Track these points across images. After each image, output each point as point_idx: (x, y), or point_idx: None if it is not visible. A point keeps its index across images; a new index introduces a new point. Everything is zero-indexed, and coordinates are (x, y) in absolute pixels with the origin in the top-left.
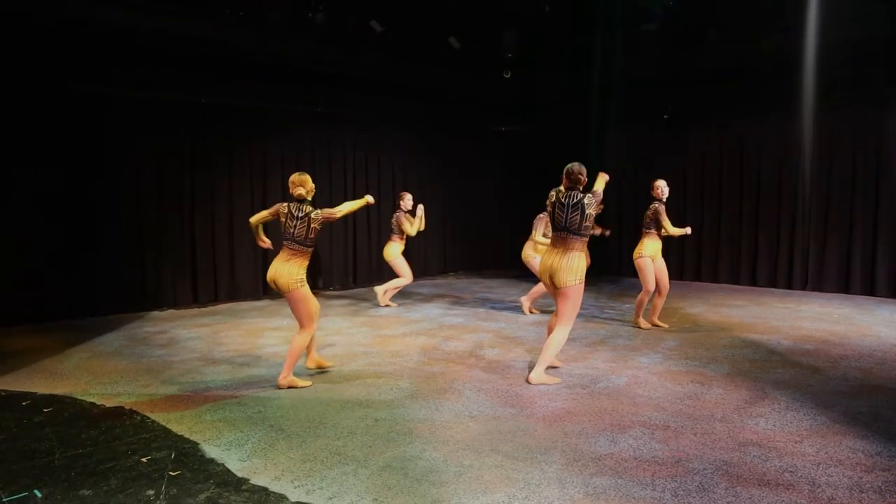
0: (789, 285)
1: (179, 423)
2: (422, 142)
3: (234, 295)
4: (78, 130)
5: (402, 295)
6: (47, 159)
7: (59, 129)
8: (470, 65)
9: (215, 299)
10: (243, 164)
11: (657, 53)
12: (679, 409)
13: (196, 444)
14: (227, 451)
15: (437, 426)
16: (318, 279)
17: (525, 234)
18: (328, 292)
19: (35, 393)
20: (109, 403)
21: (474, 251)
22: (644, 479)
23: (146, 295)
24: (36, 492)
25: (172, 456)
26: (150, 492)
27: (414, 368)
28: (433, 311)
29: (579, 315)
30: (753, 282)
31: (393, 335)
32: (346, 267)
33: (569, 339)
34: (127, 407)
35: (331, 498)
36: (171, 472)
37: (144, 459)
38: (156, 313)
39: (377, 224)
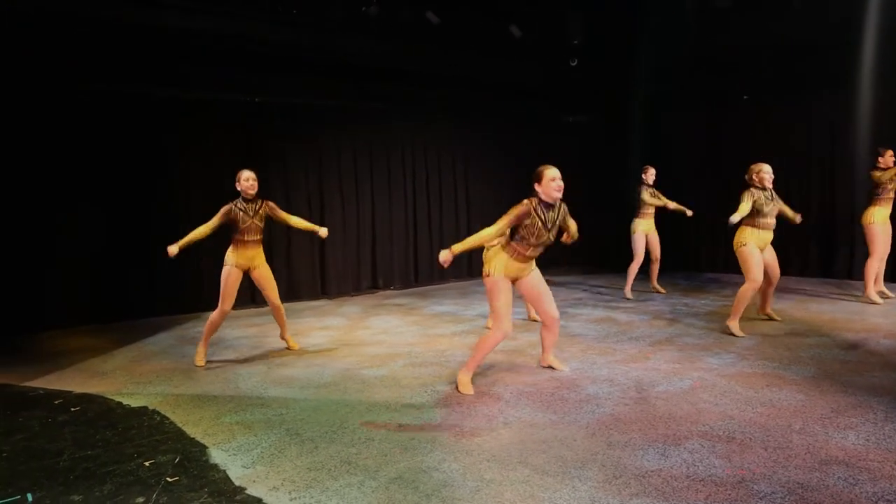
0: (895, 277)
1: (196, 426)
2: (484, 135)
3: (293, 295)
4: (135, 133)
5: (460, 293)
6: (107, 163)
7: (117, 133)
8: (533, 54)
9: None
10: (299, 162)
11: (731, 30)
12: (749, 417)
13: (205, 447)
14: (233, 456)
15: (465, 433)
16: (378, 278)
17: (598, 227)
18: (388, 291)
19: (70, 392)
20: (136, 403)
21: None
22: (695, 503)
23: (203, 295)
24: (28, 495)
25: (176, 460)
26: (141, 499)
27: (455, 369)
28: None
29: (644, 313)
30: (849, 275)
31: (442, 334)
32: (407, 266)
33: (630, 338)
34: (151, 408)
35: None
36: (168, 479)
37: (147, 463)
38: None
39: (438, 221)
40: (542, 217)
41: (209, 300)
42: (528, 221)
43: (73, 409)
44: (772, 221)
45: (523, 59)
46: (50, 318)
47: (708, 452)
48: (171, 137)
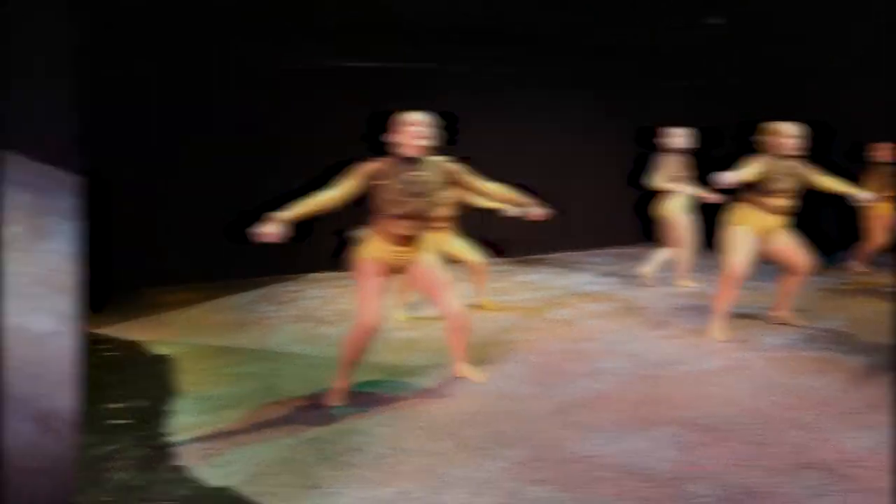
0: None
1: (192, 374)
2: (602, 103)
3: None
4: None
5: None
6: (249, 133)
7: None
8: (661, 10)
9: None
10: None
11: None
12: (757, 407)
13: (178, 396)
14: (196, 403)
15: (424, 399)
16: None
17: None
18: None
19: (119, 338)
20: (163, 351)
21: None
22: (600, 499)
23: (318, 257)
24: None
25: (145, 405)
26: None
27: (485, 336)
28: (581, 280)
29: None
30: None
31: (508, 301)
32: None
33: (703, 312)
34: (172, 356)
35: (226, 466)
36: (117, 422)
37: (112, 406)
38: (316, 275)
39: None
40: (400, 175)
41: (326, 261)
42: (380, 182)
43: (106, 354)
44: (784, 203)
45: (647, 16)
46: (171, 274)
47: (670, 443)
48: (295, 106)
